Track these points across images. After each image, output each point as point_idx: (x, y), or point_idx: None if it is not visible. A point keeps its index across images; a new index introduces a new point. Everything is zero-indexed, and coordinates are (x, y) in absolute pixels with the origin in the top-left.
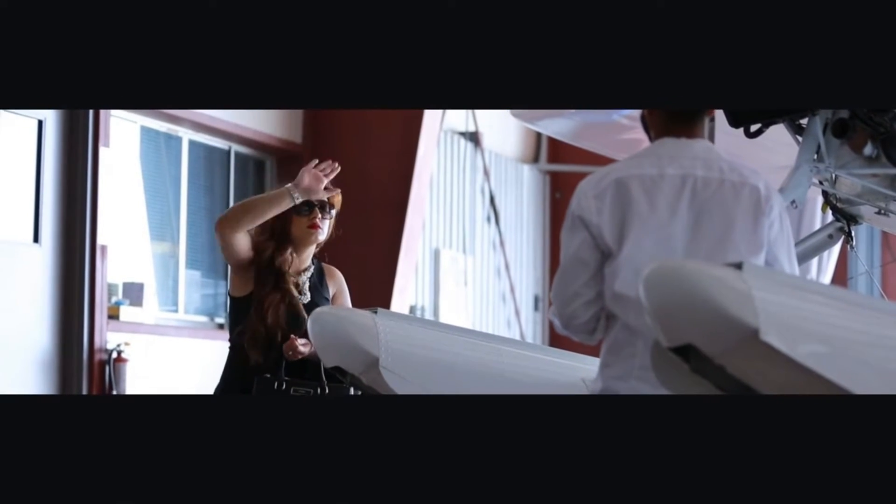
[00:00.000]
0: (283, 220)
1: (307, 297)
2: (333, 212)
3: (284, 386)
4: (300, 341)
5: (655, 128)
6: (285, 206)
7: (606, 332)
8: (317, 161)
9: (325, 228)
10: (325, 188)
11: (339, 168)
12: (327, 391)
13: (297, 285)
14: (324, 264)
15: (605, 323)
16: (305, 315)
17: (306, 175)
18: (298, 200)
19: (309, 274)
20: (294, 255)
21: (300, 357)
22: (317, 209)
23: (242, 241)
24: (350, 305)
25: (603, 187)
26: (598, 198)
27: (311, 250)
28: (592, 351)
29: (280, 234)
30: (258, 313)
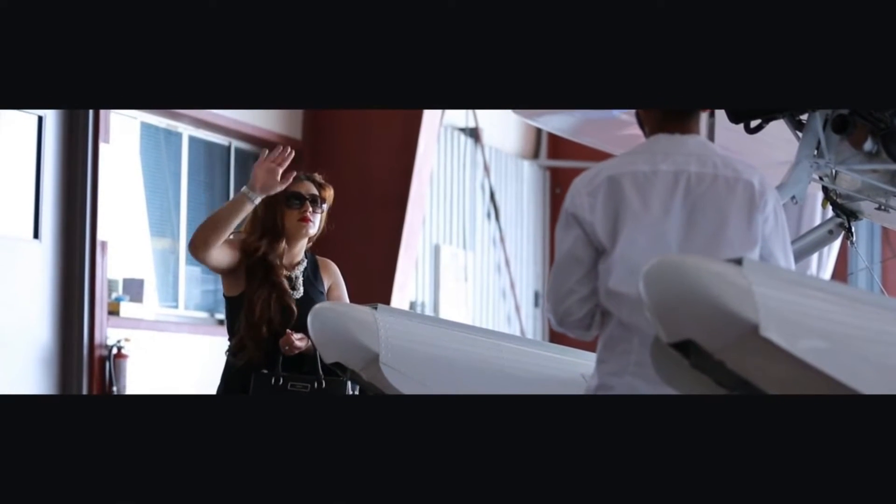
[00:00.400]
0: (275, 214)
1: (300, 292)
2: (325, 206)
3: (282, 381)
4: (296, 336)
5: (650, 124)
6: (247, 209)
7: (602, 329)
8: (267, 152)
9: (315, 222)
10: (283, 178)
11: (293, 153)
12: (324, 385)
13: (289, 280)
14: (318, 257)
15: (600, 319)
16: (295, 308)
17: (259, 171)
18: (257, 200)
19: (302, 268)
20: (286, 248)
21: (297, 352)
22: (308, 202)
23: (220, 254)
24: (346, 297)
25: (596, 184)
26: (591, 195)
27: (303, 244)
28: (592, 347)
29: (272, 229)
30: (249, 310)
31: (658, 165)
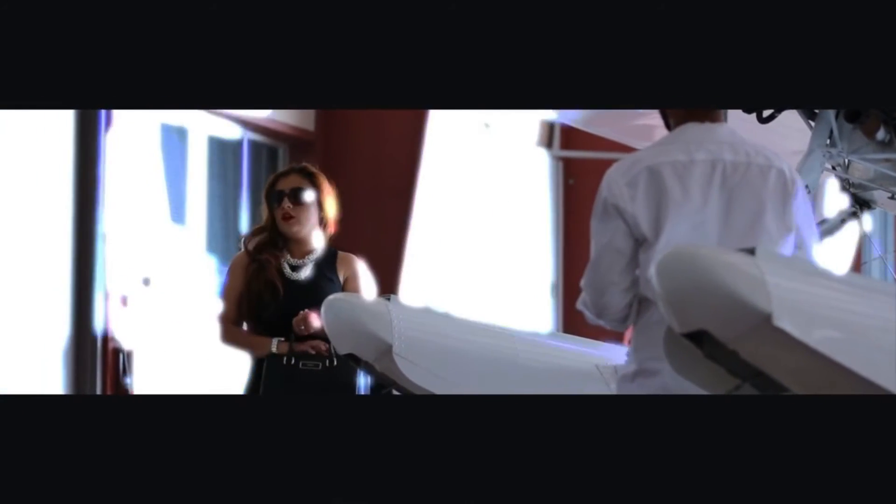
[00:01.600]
0: (271, 214)
1: (306, 273)
2: (321, 194)
3: (293, 361)
4: (314, 315)
5: (676, 114)
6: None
7: (638, 316)
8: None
9: (301, 217)
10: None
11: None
12: (335, 364)
13: (295, 266)
14: (340, 252)
15: (636, 308)
16: (279, 284)
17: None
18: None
19: (315, 255)
20: (293, 237)
21: (311, 332)
22: (286, 198)
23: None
24: (363, 291)
25: (634, 174)
26: (630, 185)
27: (309, 233)
28: (606, 337)
29: (272, 229)
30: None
31: (693, 154)
